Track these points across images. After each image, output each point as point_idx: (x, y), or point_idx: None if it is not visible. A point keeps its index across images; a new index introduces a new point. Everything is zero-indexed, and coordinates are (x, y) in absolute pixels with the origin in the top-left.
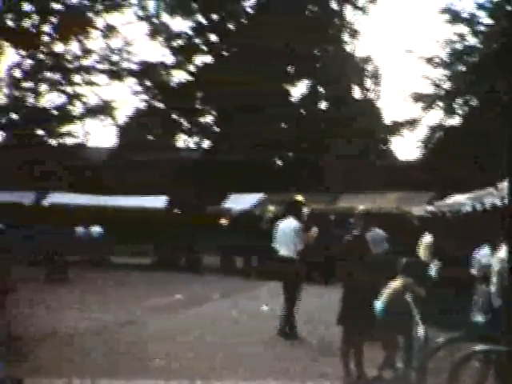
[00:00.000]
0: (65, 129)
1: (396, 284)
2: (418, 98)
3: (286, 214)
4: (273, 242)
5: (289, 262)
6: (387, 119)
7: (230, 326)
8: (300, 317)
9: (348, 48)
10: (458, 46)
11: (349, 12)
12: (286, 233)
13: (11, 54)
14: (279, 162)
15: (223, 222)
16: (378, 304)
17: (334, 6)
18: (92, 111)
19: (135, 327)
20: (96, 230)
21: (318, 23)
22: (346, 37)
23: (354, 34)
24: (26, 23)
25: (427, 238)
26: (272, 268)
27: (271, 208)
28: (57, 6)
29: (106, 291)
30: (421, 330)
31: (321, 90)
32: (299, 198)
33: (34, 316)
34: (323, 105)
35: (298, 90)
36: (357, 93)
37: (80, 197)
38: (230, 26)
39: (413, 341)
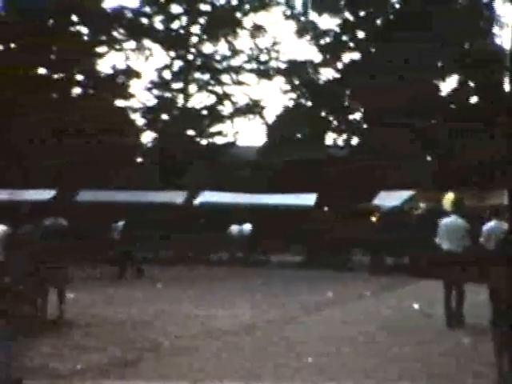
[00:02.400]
0: (215, 128)
1: None
2: None
3: (452, 211)
4: (436, 238)
5: (457, 256)
6: None
7: (384, 324)
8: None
9: (498, 41)
10: None
11: (498, 4)
12: (454, 229)
13: (161, 56)
14: (429, 158)
15: (373, 219)
16: None
17: None
18: (241, 110)
19: (294, 325)
20: (247, 228)
21: (468, 16)
22: (496, 30)
23: (504, 26)
24: (175, 25)
25: None
26: (437, 262)
27: (421, 205)
28: (205, 7)
29: (260, 289)
30: None
31: (471, 84)
32: (454, 195)
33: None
34: (474, 99)
35: (448, 85)
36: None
37: (230, 195)
38: (378, 22)
39: None
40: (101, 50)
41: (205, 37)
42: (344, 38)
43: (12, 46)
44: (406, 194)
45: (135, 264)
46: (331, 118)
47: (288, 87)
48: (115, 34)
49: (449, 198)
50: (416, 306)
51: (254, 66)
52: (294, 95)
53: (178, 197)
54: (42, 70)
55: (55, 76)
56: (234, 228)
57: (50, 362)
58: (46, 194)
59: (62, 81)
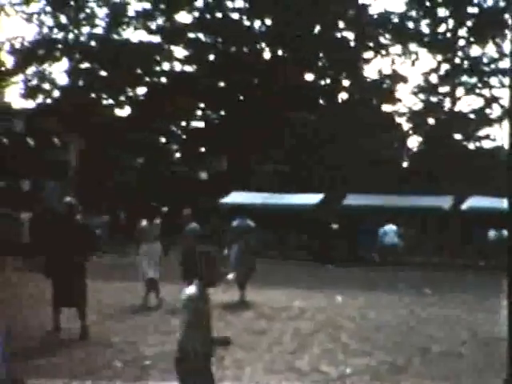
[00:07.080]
0: (482, 132)
1: None
2: None
3: None
4: None
5: None
6: None
7: None
8: None
9: None
10: None
11: None
12: None
13: (427, 60)
14: None
15: None
16: None
17: None
18: (510, 114)
19: None
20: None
21: None
22: None
23: None
24: (442, 28)
25: None
26: None
27: None
28: (472, 9)
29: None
30: None
31: None
32: None
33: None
34: None
35: None
36: None
37: (498, 200)
38: None
39: None
40: (367, 55)
41: (472, 39)
42: None
43: (280, 53)
44: None
45: None
46: None
47: None
48: (381, 39)
49: None
50: None
51: None
52: None
53: (444, 201)
54: (309, 77)
55: (322, 82)
56: (492, 234)
57: (320, 365)
58: (314, 199)
59: (329, 86)
